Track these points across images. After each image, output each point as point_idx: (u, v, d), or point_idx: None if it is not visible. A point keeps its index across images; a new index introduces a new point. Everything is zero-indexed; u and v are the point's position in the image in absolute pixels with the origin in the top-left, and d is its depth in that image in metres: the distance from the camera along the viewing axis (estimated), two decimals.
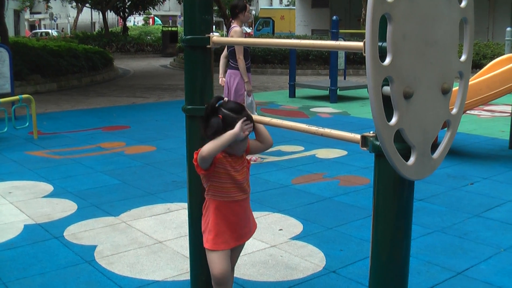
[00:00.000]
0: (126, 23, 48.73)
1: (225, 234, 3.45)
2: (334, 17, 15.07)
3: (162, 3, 50.36)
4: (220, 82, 8.55)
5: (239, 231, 3.52)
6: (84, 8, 54.23)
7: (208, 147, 3.24)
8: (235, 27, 8.12)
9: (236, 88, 8.17)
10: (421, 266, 4.61)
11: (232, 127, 3.24)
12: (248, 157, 7.83)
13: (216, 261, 3.44)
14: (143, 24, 69.64)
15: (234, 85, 8.20)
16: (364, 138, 2.53)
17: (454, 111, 2.59)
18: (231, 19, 8.35)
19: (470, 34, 2.58)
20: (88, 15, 68.02)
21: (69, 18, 71.19)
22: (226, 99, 3.36)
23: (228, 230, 3.46)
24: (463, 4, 2.52)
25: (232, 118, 3.26)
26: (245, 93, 8.13)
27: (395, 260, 2.62)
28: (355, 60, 24.76)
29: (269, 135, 3.55)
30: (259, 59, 25.20)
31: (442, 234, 5.36)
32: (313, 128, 2.84)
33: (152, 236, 5.28)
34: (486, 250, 4.95)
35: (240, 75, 8.11)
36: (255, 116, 3.39)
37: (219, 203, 3.42)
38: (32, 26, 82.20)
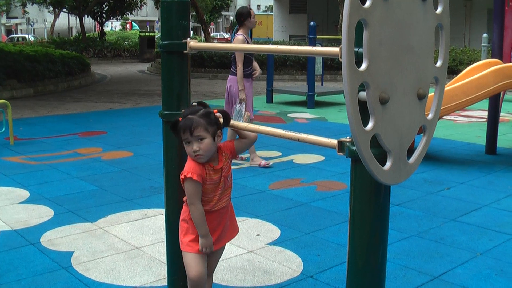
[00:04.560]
0: (104, 28, 48.57)
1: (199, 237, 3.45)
2: (312, 23, 15.10)
3: (140, 8, 50.26)
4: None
5: (217, 236, 3.52)
6: (61, 13, 53.98)
7: (194, 213, 3.39)
8: (239, 36, 8.14)
9: (236, 95, 8.25)
10: (398, 271, 4.63)
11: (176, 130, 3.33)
12: (257, 162, 7.82)
13: (192, 263, 3.44)
14: (120, 29, 69.57)
15: (234, 92, 8.29)
16: (340, 143, 2.54)
17: (429, 116, 2.61)
18: (237, 26, 8.34)
19: (446, 40, 2.60)
20: (65, 20, 67.82)
21: (46, 23, 70.88)
22: (193, 103, 3.40)
23: None
24: (438, 10, 2.54)
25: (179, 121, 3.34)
26: (238, 100, 8.16)
27: (372, 265, 2.63)
28: (333, 65, 24.84)
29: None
30: None
31: (419, 238, 5.38)
32: (290, 134, 2.84)
33: (129, 242, 5.26)
34: (462, 255, 4.98)
35: (242, 82, 8.15)
36: (234, 122, 3.39)
37: None
38: (8, 31, 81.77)
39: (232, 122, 3.40)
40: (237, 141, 3.55)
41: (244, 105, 8.16)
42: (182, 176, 3.34)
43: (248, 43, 8.11)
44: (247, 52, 8.10)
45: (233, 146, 3.52)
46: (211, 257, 3.64)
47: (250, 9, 8.42)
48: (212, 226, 3.46)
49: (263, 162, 8.16)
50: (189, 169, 3.32)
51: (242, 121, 8.00)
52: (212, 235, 3.47)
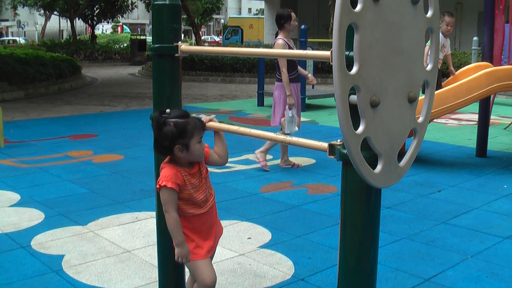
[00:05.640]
0: (95, 31, 48.53)
1: (201, 242, 3.44)
2: (303, 26, 15.09)
3: (131, 11, 50.24)
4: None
5: (212, 236, 3.52)
6: (52, 15, 53.89)
7: (169, 221, 3.34)
8: (279, 40, 7.94)
9: (281, 101, 8.03)
10: (389, 273, 4.64)
11: (183, 133, 3.24)
12: (260, 159, 7.66)
13: (204, 269, 3.42)
14: (111, 32, 69.47)
15: (280, 98, 8.06)
16: (331, 146, 2.54)
17: (420, 119, 2.62)
18: (278, 30, 8.13)
19: (436, 44, 2.61)
20: (56, 23, 67.68)
21: (37, 25, 70.74)
22: (168, 110, 3.32)
23: (203, 239, 3.44)
24: (429, 14, 2.55)
25: (182, 123, 3.25)
26: (287, 107, 7.92)
27: (363, 267, 2.64)
28: (324, 69, 24.84)
29: (227, 153, 3.59)
30: (228, 68, 25.25)
31: (410, 241, 5.40)
32: (281, 137, 2.85)
33: (120, 245, 5.26)
34: (453, 257, 5.00)
35: (289, 87, 7.89)
36: (221, 125, 3.39)
37: (187, 218, 3.40)
38: None
39: (221, 125, 3.39)
40: (213, 153, 3.54)
41: (295, 110, 7.94)
42: (158, 186, 3.33)
43: (289, 47, 7.91)
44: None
45: (208, 154, 3.51)
46: None
47: (291, 11, 8.11)
48: (206, 229, 3.46)
49: (263, 163, 8.13)
50: (163, 177, 3.30)
51: (296, 128, 7.87)
52: (209, 239, 3.47)
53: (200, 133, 3.29)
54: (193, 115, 3.38)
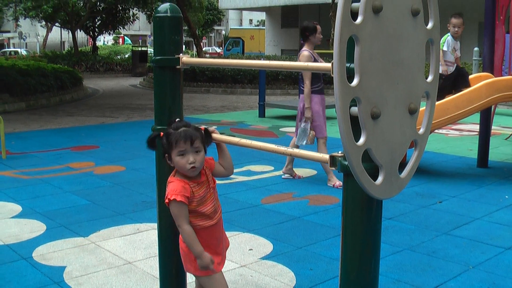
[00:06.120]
0: (96, 42, 48.60)
1: (212, 255, 3.42)
2: None
3: (132, 23, 50.32)
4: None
5: (221, 249, 3.52)
6: (54, 27, 53.99)
7: (183, 235, 3.33)
8: (304, 51, 7.96)
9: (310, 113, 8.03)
10: (391, 284, 4.63)
11: (166, 143, 3.30)
12: (333, 182, 7.58)
13: (221, 283, 3.42)
14: (113, 44, 69.55)
15: (302, 109, 8.09)
16: (332, 158, 2.54)
17: (421, 131, 2.62)
18: (301, 42, 8.18)
19: (436, 55, 2.61)
20: (58, 34, 67.81)
21: (39, 37, 70.90)
22: (177, 120, 3.37)
23: (213, 252, 3.43)
24: (429, 25, 2.56)
25: (168, 134, 3.30)
26: (303, 118, 7.97)
27: (364, 279, 2.63)
28: (324, 80, 24.75)
29: (232, 164, 3.59)
30: (229, 79, 25.28)
31: (411, 252, 5.39)
32: (282, 149, 2.85)
33: (122, 256, 5.26)
34: (454, 268, 4.99)
35: (309, 100, 7.94)
36: (222, 136, 3.39)
37: (197, 232, 3.36)
38: (0, 45, 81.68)
39: (222, 137, 3.40)
40: (218, 165, 3.55)
41: (309, 124, 7.95)
42: (167, 201, 3.29)
43: (314, 59, 7.94)
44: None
45: (213, 166, 3.51)
46: None
47: (316, 24, 8.14)
48: (215, 241, 3.44)
49: (337, 183, 7.80)
50: (172, 191, 3.27)
51: (307, 141, 7.91)
52: (219, 252, 3.46)
53: (182, 147, 3.25)
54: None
